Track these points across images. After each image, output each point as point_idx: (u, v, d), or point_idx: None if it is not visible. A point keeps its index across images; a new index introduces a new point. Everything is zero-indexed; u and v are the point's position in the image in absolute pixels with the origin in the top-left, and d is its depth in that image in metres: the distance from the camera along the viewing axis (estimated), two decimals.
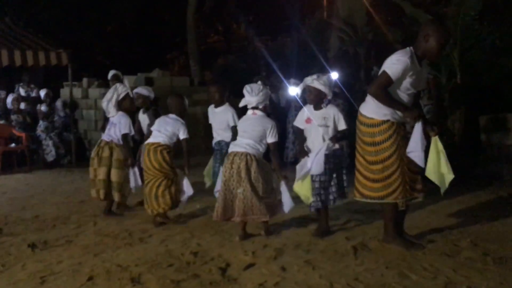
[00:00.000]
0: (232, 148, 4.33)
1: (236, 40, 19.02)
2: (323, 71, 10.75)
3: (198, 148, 8.66)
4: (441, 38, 3.60)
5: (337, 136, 4.23)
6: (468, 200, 5.45)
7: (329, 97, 4.28)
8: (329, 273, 3.39)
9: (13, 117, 9.28)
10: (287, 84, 9.13)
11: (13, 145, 8.87)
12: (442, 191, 3.76)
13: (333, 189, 4.26)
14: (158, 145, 4.78)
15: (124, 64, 12.40)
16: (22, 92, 10.15)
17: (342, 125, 4.24)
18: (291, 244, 4.06)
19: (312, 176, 4.19)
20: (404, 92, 3.68)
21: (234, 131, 4.77)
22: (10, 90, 10.29)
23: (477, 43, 8.66)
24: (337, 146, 4.27)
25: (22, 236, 4.52)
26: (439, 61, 7.61)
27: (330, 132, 4.21)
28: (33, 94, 10.26)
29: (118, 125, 5.15)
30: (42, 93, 9.71)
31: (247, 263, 3.63)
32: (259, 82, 4.63)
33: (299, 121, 4.41)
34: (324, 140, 4.19)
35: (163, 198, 4.73)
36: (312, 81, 4.23)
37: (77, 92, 10.32)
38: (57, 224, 4.98)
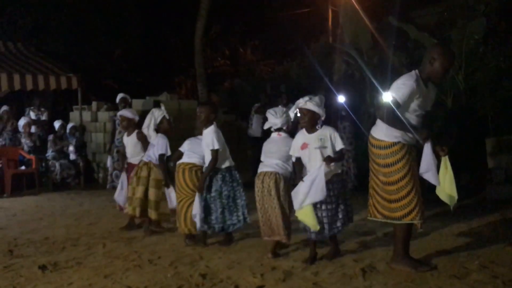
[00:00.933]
0: (262, 168, 4.48)
1: (242, 64, 19.26)
2: (329, 94, 10.86)
3: None
4: (445, 61, 3.70)
5: (333, 157, 4.05)
6: (476, 223, 5.44)
7: (323, 117, 4.18)
8: None
9: (23, 140, 9.40)
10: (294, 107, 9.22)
11: (22, 167, 8.96)
12: (451, 206, 3.79)
13: (341, 215, 4.16)
14: (194, 165, 4.95)
15: (132, 87, 12.58)
16: (32, 115, 10.29)
17: (339, 145, 4.11)
18: (299, 266, 4.07)
19: (317, 204, 4.07)
20: (412, 114, 3.75)
21: (214, 155, 4.64)
22: (21, 113, 10.46)
23: (481, 66, 8.75)
24: (339, 170, 4.18)
25: (33, 258, 4.55)
26: (442, 82, 7.71)
27: (329, 153, 4.08)
28: (43, 117, 10.40)
29: (156, 146, 5.35)
30: (57, 124, 9.71)
31: (256, 286, 3.65)
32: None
33: (294, 150, 4.25)
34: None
35: (191, 220, 4.85)
36: (305, 103, 4.12)
37: (86, 116, 10.45)
38: (67, 246, 5.01)
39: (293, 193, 4.16)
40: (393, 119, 3.68)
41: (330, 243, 4.30)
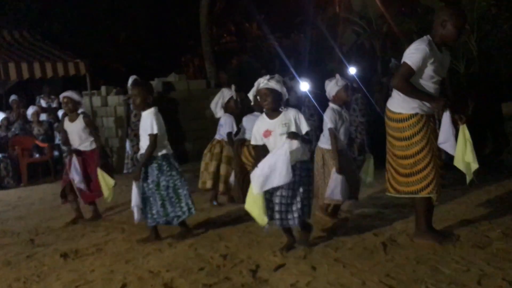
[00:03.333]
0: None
1: (249, 40, 19.05)
2: (339, 66, 10.72)
3: None
4: (458, 21, 3.56)
5: (297, 134, 3.67)
6: (495, 190, 5.38)
7: (286, 97, 3.81)
8: (360, 271, 3.38)
9: (34, 129, 9.45)
10: (299, 81, 9.16)
11: (37, 156, 9.03)
12: (467, 180, 3.68)
13: (297, 206, 3.74)
14: (246, 140, 5.32)
15: (140, 69, 12.52)
16: (43, 103, 10.33)
17: (305, 127, 3.72)
18: (319, 243, 4.05)
19: (271, 190, 3.71)
20: (428, 81, 3.62)
21: (153, 140, 4.30)
22: (31, 102, 10.49)
23: (494, 29, 8.55)
24: (305, 157, 3.80)
25: (54, 246, 4.60)
26: (455, 46, 7.55)
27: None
28: (54, 105, 10.43)
29: (224, 126, 5.61)
30: (61, 112, 9.74)
31: (277, 264, 3.64)
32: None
33: (256, 138, 3.87)
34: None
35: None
36: (267, 82, 3.72)
37: (96, 101, 10.44)
38: (86, 233, 5.05)
39: (252, 176, 3.73)
40: (407, 87, 3.56)
41: (286, 234, 3.94)
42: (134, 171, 4.49)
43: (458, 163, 3.65)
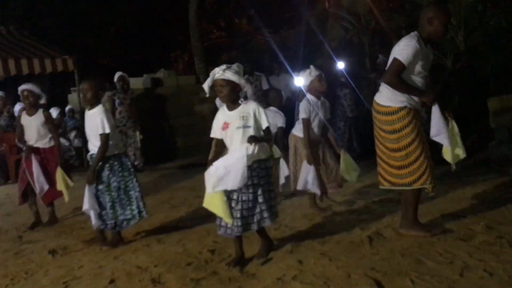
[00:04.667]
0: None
1: (239, 35, 19.02)
2: (327, 61, 10.77)
3: (207, 146, 8.70)
4: (444, 19, 3.65)
5: (257, 137, 3.42)
6: (480, 184, 5.45)
7: (244, 89, 3.60)
8: (346, 264, 3.43)
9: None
10: (292, 76, 9.20)
11: None
12: (452, 164, 3.78)
13: (258, 209, 3.52)
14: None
15: (129, 65, 12.48)
16: None
17: (264, 123, 3.49)
18: (306, 237, 4.09)
19: (232, 194, 3.47)
20: (417, 76, 3.70)
21: (104, 140, 4.15)
22: (18, 98, 10.38)
23: (481, 24, 8.62)
24: (263, 156, 3.53)
25: (42, 243, 4.61)
26: (442, 42, 7.62)
27: (252, 133, 3.44)
28: (42, 101, 10.33)
29: None
30: (55, 112, 9.83)
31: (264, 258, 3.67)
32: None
33: (214, 131, 3.63)
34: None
35: None
36: (223, 73, 3.43)
37: None
38: (75, 229, 5.07)
39: (206, 174, 3.47)
40: (398, 82, 3.63)
41: (236, 244, 3.70)
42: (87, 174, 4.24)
43: (446, 154, 3.78)
